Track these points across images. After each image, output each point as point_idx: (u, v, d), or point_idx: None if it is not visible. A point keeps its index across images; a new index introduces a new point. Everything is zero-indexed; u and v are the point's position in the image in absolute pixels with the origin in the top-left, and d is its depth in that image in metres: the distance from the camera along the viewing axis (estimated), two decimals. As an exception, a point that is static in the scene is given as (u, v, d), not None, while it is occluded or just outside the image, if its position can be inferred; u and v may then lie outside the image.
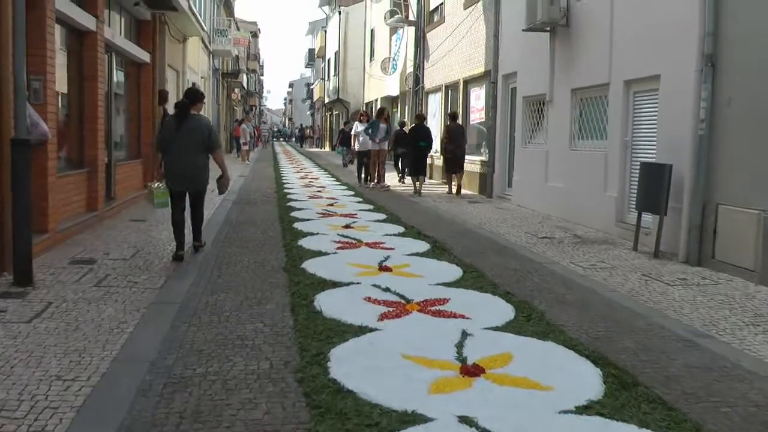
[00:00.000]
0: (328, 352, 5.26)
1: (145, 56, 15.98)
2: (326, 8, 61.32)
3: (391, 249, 9.88)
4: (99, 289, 7.24)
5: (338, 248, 9.82)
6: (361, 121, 21.85)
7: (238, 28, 42.59)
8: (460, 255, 9.70)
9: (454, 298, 7.04)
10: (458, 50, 21.91)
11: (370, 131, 20.66)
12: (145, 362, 5.09)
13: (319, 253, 9.34)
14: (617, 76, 11.97)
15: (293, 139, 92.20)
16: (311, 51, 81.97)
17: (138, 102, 16.33)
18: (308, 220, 12.86)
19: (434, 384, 4.65)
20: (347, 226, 12.05)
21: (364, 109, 41.05)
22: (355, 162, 23.44)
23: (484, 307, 6.78)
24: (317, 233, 11.14)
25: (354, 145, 22.45)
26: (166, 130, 9.03)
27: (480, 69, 19.84)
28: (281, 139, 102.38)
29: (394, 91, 31.77)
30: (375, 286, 7.45)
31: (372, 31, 39.74)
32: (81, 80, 11.76)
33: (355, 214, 13.89)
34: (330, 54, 57.13)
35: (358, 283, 7.57)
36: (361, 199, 17.11)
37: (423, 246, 10.29)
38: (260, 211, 14.26)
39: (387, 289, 7.28)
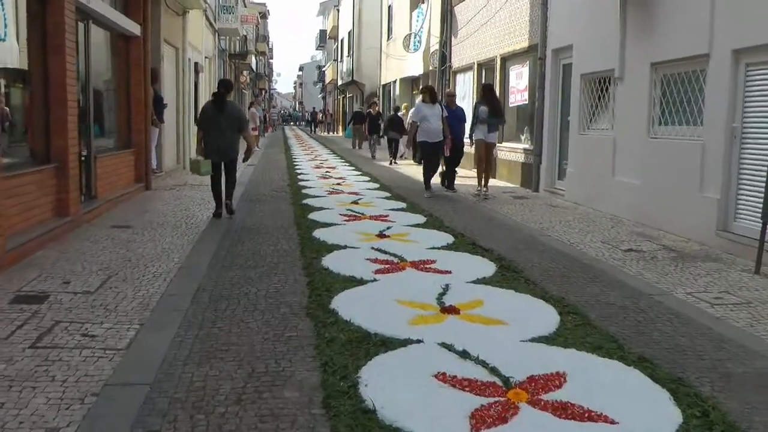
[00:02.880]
0: None
1: (134, 28, 13.52)
2: (338, -14, 58.72)
3: (446, 272, 7.41)
4: (33, 358, 4.81)
5: (377, 271, 7.35)
6: (424, 102, 15.07)
7: (245, 5, 40.02)
8: (541, 281, 7.25)
9: (573, 374, 4.54)
10: (494, 23, 19.38)
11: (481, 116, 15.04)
12: None
13: (353, 281, 6.88)
14: (722, 44, 9.44)
15: (303, 123, 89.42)
16: (322, 32, 79.67)
17: (127, 81, 13.89)
18: (331, 224, 10.42)
19: None
20: (381, 235, 9.59)
21: (380, 92, 38.84)
22: (421, 160, 16.28)
23: (631, 402, 4.26)
24: (345, 246, 8.70)
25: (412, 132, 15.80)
26: (207, 113, 11.03)
27: (522, 44, 17.31)
28: (292, 123, 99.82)
29: (417, 71, 29.19)
30: (444, 345, 5.00)
31: (389, 7, 37.16)
32: (44, 53, 9.33)
33: (387, 216, 11.43)
34: (343, 34, 54.63)
35: (419, 341, 5.10)
36: (388, 194, 14.65)
37: (486, 266, 7.81)
38: (271, 212, 11.82)
39: (465, 354, 4.82)
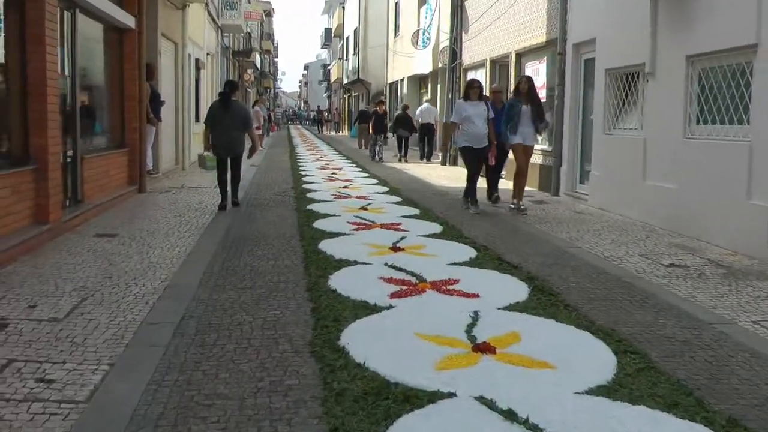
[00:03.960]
0: None
1: (127, 20, 12.55)
2: (344, -17, 57.68)
3: (473, 296, 6.40)
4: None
5: (393, 294, 6.34)
6: (467, 99, 12.33)
7: (249, 1, 39.04)
8: (583, 306, 6.26)
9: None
10: (509, 17, 18.37)
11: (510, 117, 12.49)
12: None
13: (366, 308, 5.87)
14: (775, 34, 8.47)
15: (308, 122, 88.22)
16: (328, 30, 78.71)
17: (120, 77, 12.92)
18: (338, 234, 9.43)
19: None
20: (395, 248, 8.57)
21: (387, 91, 37.86)
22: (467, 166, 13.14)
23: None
24: (354, 261, 7.69)
25: (455, 134, 13.36)
26: (214, 112, 11.71)
27: (539, 38, 16.31)
28: (297, 122, 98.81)
29: (425, 69, 28.19)
30: (483, 401, 4.01)
31: (396, 4, 36.18)
32: (22, 43, 8.36)
33: (400, 224, 10.42)
34: (349, 32, 53.68)
35: (451, 395, 4.11)
36: (399, 199, 13.66)
37: (517, 287, 6.81)
38: (273, 219, 10.84)
39: (510, 415, 3.83)
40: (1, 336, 5.08)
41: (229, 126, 11.49)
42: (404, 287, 6.58)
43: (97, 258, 7.75)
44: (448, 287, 6.65)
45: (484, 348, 4.88)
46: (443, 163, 23.58)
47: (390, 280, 6.83)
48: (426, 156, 25.50)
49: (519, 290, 6.67)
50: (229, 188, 11.85)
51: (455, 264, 7.75)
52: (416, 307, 5.96)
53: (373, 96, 43.30)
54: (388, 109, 32.61)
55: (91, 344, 4.97)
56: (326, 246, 8.50)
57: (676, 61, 10.59)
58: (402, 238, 9.19)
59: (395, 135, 26.50)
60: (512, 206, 12.39)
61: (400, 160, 25.18)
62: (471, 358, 4.74)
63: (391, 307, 5.94)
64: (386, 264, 7.56)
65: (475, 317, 5.69)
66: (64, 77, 9.91)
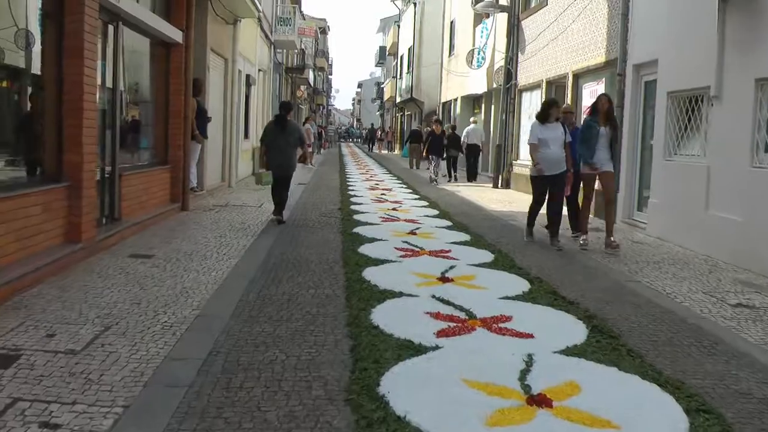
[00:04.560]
0: None
1: (174, 34, 12.26)
2: (399, 1, 57.36)
3: (527, 336, 5.85)
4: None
5: (440, 333, 5.81)
6: (542, 121, 11.10)
7: (303, 18, 38.91)
8: (647, 352, 5.68)
9: None
10: (566, 37, 17.80)
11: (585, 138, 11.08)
12: None
13: (410, 348, 5.36)
14: None
15: (360, 140, 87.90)
16: (382, 48, 78.71)
17: (166, 92, 12.63)
18: (384, 262, 8.93)
19: None
20: (443, 278, 8.06)
21: (440, 110, 37.40)
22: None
23: None
24: (400, 293, 7.19)
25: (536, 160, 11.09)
26: (271, 131, 12.28)
27: (599, 59, 15.71)
28: (350, 140, 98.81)
29: (480, 89, 27.65)
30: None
31: (452, 23, 35.71)
32: (59, 56, 8.05)
33: (449, 252, 9.89)
34: (403, 50, 53.35)
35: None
36: (449, 223, 13.12)
37: (574, 328, 6.23)
38: (317, 242, 10.39)
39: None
40: (10, 370, 4.68)
41: (284, 146, 12.11)
42: (452, 324, 6.06)
43: (128, 281, 7.36)
44: (499, 325, 6.12)
45: (540, 401, 4.36)
46: (495, 186, 23.01)
47: (437, 316, 6.32)
48: (473, 177, 25.42)
49: (576, 330, 6.11)
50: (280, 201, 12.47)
51: (507, 298, 7.21)
52: (465, 349, 5.43)
53: (425, 115, 42.87)
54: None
55: (107, 382, 4.55)
56: (370, 274, 8.02)
57: (744, 84, 9.96)
58: (451, 267, 8.67)
59: (445, 156, 25.91)
60: (613, 244, 10.73)
61: (449, 181, 24.93)
62: (525, 413, 4.21)
63: (437, 347, 5.42)
64: (433, 296, 7.05)
65: (530, 362, 5.16)
66: (105, 91, 9.58)
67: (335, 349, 5.37)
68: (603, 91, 15.49)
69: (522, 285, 7.87)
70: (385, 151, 56.73)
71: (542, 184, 11.13)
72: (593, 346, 5.66)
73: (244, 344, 5.42)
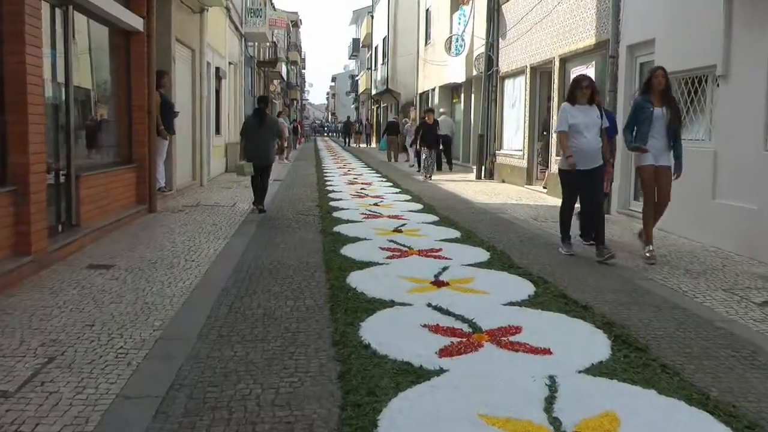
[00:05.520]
0: None
1: (134, 21, 11.32)
2: (372, -8, 56.47)
3: (545, 352, 5.01)
4: None
5: (443, 351, 4.95)
6: (573, 102, 9.08)
7: (274, 9, 37.84)
8: (682, 367, 4.88)
9: None
10: (552, 20, 16.99)
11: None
12: None
13: (410, 373, 4.51)
14: None
15: (336, 134, 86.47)
16: (355, 41, 77.81)
17: (127, 84, 11.70)
18: (370, 264, 8.07)
19: None
20: (438, 282, 7.23)
21: (417, 101, 36.57)
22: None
23: None
24: (391, 302, 6.34)
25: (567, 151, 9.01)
26: (250, 125, 12.99)
27: (588, 41, 14.91)
28: (325, 134, 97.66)
29: (459, 77, 26.79)
30: None
31: (427, 11, 34.87)
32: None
33: (440, 250, 9.07)
34: (377, 41, 52.45)
35: None
36: (436, 218, 12.29)
37: (596, 339, 5.41)
38: (295, 244, 9.53)
39: None
40: (-75, 420, 3.79)
41: (262, 138, 12.81)
42: (455, 340, 5.22)
43: (83, 298, 6.46)
44: (509, 339, 5.28)
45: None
46: (478, 177, 22.23)
47: (436, 329, 5.48)
48: (440, 166, 25.29)
49: (598, 343, 5.29)
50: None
51: (512, 304, 6.38)
52: (475, 371, 4.59)
53: (402, 106, 42.03)
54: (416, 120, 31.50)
55: (42, 433, 3.67)
56: (356, 280, 7.17)
57: (754, 63, 9.20)
58: (444, 269, 7.83)
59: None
60: (647, 253, 8.85)
61: (419, 172, 24.16)
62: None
63: (442, 370, 4.57)
64: (429, 305, 6.21)
65: (553, 386, 4.33)
66: (57, 84, 8.66)
67: (320, 377, 4.52)
68: (592, 75, 14.74)
69: (526, 287, 7.05)
70: (363, 145, 55.47)
71: (574, 181, 9.06)
72: (622, 363, 4.84)
73: (211, 374, 4.55)
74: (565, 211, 9.47)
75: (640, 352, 5.09)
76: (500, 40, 21.42)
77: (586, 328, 5.68)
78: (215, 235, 10.02)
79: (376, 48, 54.22)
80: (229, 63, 23.82)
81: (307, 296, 6.64)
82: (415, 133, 23.28)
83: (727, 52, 9.80)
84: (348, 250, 8.85)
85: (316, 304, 6.33)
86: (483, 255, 8.81)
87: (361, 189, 17.87)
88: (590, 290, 7.12)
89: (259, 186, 12.90)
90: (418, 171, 23.58)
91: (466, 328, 5.55)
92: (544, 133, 17.83)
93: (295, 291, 6.83)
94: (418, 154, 24.70)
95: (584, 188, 9.08)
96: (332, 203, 14.30)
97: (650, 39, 12.16)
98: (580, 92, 8.98)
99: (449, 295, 6.63)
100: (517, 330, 5.51)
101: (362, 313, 5.91)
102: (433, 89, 32.73)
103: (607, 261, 8.56)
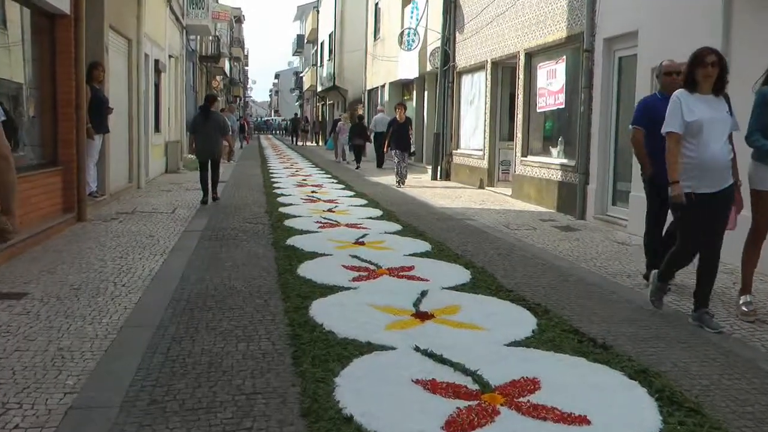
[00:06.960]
0: None
1: (59, 2, 9.89)
2: (318, -14, 55.07)
3: (580, 422, 3.84)
4: None
5: (450, 422, 3.74)
6: (690, 88, 5.96)
7: (217, 1, 36.29)
8: (725, 420, 3.78)
9: None
10: (516, 11, 15.92)
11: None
12: None
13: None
14: None
15: (280, 132, 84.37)
16: (300, 37, 76.31)
17: (52, 75, 10.27)
18: (335, 289, 6.80)
19: None
20: (420, 313, 6.00)
21: (365, 98, 35.36)
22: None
23: None
24: (368, 343, 5.09)
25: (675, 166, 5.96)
26: (197, 121, 13.93)
27: (558, 34, 13.85)
28: (268, 131, 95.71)
29: (411, 74, 25.60)
30: None
31: (376, 5, 33.68)
32: None
33: (412, 268, 7.86)
34: (323, 37, 51.10)
35: None
36: (399, 227, 11.05)
37: (631, 392, 4.26)
38: (243, 261, 8.22)
39: None
40: None
41: (209, 133, 13.53)
42: (462, 404, 4.00)
43: (-23, 339, 5.12)
44: (530, 400, 4.09)
45: None
46: (434, 178, 21.12)
47: (434, 388, 4.26)
48: (381, 164, 26.22)
49: (642, 403, 4.14)
50: (209, 186, 13.72)
51: (516, 344, 5.20)
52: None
53: (350, 104, 40.82)
54: (364, 117, 30.65)
55: None
56: (320, 312, 5.92)
57: (758, 55, 8.18)
58: (423, 294, 6.61)
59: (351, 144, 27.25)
60: (745, 309, 6.27)
61: (357, 168, 25.47)
62: None
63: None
64: (417, 349, 4.97)
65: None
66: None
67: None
68: (563, 71, 13.73)
69: (526, 319, 5.88)
70: (310, 143, 53.71)
71: (698, 213, 5.90)
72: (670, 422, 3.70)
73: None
74: (652, 243, 7.30)
75: (694, 415, 3.95)
76: (457, 33, 20.33)
77: (617, 380, 4.52)
78: (151, 251, 8.68)
79: (322, 44, 52.87)
80: (170, 56, 22.33)
81: (262, 336, 5.37)
82: (386, 132, 20.06)
83: (725, 44, 8.80)
84: (306, 270, 7.57)
85: (274, 348, 5.06)
86: (463, 274, 7.61)
87: (312, 192, 16.57)
88: (600, 321, 6.00)
89: (207, 179, 13.62)
90: (347, 162, 26.34)
91: (470, 383, 4.34)
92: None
93: (246, 328, 5.55)
94: (355, 151, 26.56)
95: (703, 221, 5.91)
96: (282, 209, 12.98)
97: (632, 31, 11.14)
98: (703, 72, 5.84)
99: (437, 332, 5.43)
100: (535, 385, 4.32)
101: (334, 363, 4.65)
102: (383, 86, 31.57)
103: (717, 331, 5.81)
